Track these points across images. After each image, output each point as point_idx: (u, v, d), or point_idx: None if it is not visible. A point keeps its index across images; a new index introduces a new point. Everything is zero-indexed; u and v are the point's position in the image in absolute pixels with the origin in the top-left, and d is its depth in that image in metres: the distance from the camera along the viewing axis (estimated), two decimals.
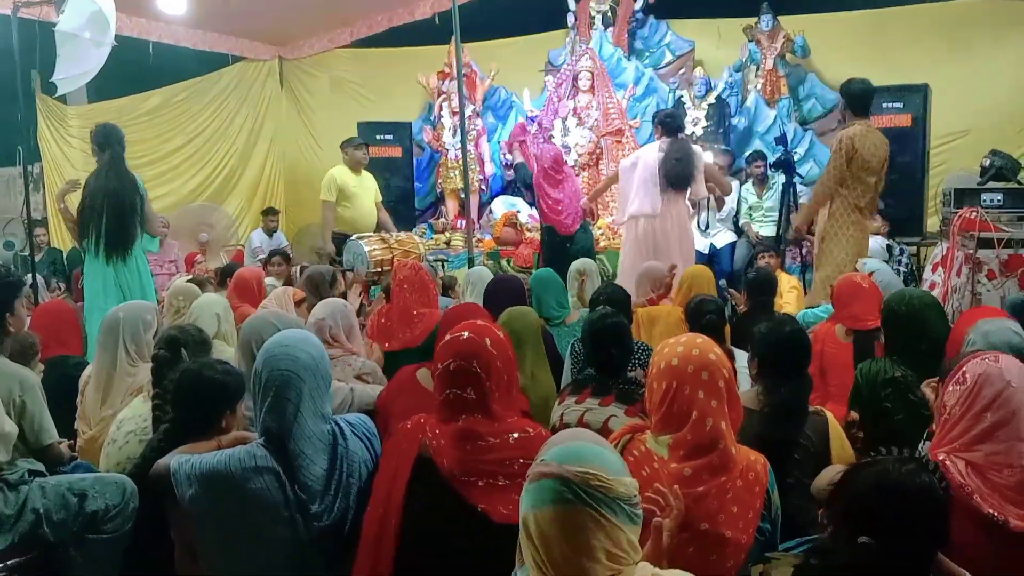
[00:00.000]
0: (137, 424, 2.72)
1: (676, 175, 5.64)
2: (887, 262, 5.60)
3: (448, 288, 5.46)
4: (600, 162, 8.57)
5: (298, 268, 6.57)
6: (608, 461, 1.44)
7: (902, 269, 6.36)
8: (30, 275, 5.82)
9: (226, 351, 3.53)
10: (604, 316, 2.84)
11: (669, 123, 5.82)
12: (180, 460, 2.05)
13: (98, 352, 3.24)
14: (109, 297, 4.67)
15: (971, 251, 4.57)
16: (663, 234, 5.64)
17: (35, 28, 6.27)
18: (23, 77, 5.98)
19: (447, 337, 2.16)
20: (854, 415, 2.72)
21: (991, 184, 5.29)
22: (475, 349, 2.08)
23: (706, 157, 6.14)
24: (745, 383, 3.08)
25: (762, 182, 7.41)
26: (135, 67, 8.28)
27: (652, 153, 5.77)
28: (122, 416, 2.79)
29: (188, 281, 4.98)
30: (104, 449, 2.77)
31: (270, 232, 8.78)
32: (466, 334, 2.11)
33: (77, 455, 3.10)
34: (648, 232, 5.68)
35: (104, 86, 7.97)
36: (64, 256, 7.80)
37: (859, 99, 5.17)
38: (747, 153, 7.85)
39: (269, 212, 8.99)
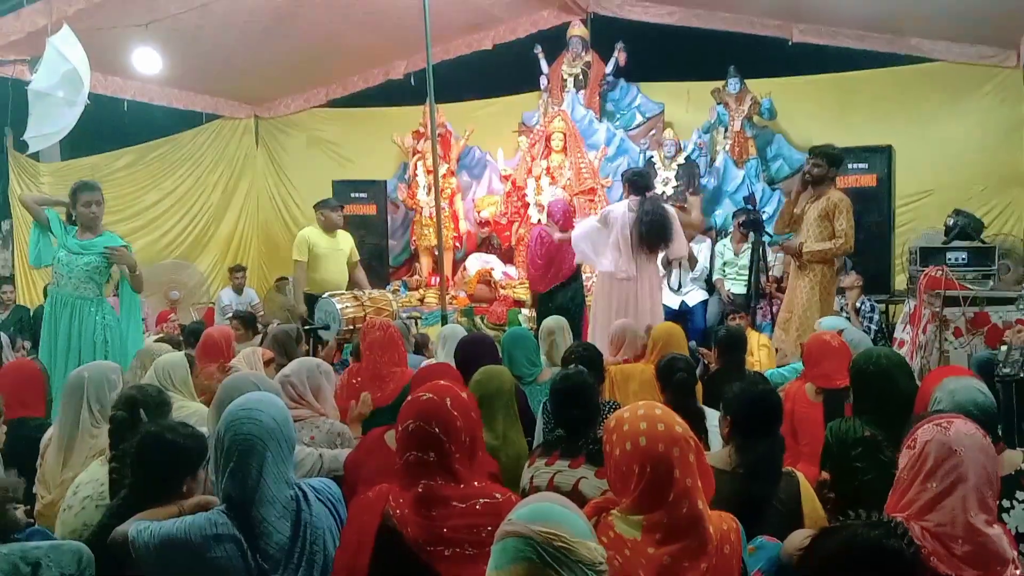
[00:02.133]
0: (94, 489, 2.63)
1: (650, 236, 5.56)
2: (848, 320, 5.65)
3: (421, 347, 5.43)
4: (573, 220, 8.65)
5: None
6: (574, 524, 1.44)
7: (872, 327, 6.44)
8: None
9: (189, 407, 3.48)
10: (566, 376, 2.82)
11: (637, 181, 5.76)
12: (139, 527, 1.99)
13: (61, 413, 3.16)
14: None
15: (937, 309, 4.63)
16: (635, 296, 5.60)
17: (8, 86, 6.29)
18: None
19: (408, 398, 2.13)
20: (825, 475, 2.71)
21: (955, 243, 5.39)
22: (435, 410, 2.04)
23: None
24: (716, 443, 3.07)
25: (742, 238, 7.46)
26: (109, 125, 8.30)
27: (621, 211, 5.68)
28: (79, 481, 2.70)
29: (158, 340, 4.92)
30: (59, 516, 2.67)
31: (238, 289, 8.73)
32: (427, 395, 2.08)
33: (34, 520, 3.00)
34: (620, 292, 5.64)
35: (77, 143, 7.96)
36: (31, 314, 7.68)
37: (842, 162, 5.33)
38: (717, 211, 7.97)
39: (236, 269, 8.97)
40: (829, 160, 5.22)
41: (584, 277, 7.51)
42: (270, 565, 1.97)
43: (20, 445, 3.27)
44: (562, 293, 6.43)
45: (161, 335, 5.91)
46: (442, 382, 2.19)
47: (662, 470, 1.82)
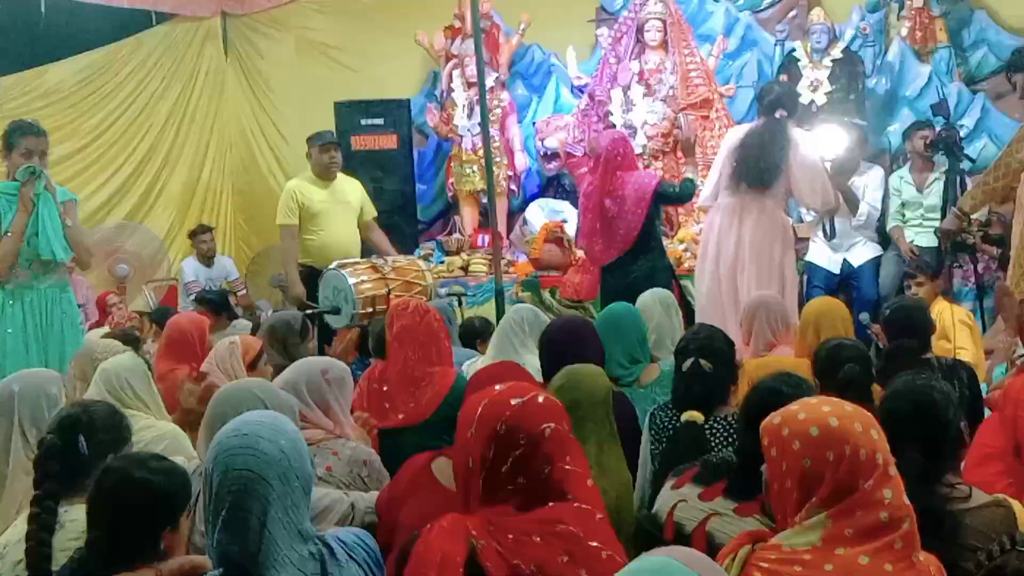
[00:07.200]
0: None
1: (748, 168, 5.85)
2: None
3: (477, 336, 5.45)
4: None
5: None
6: None
7: None
8: None
9: (156, 426, 3.57)
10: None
11: (763, 97, 6.16)
12: None
13: None
14: None
15: None
16: (736, 245, 5.83)
17: None
18: None
19: (484, 404, 2.21)
20: None
21: None
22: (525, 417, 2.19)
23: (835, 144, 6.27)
24: None
25: (926, 166, 7.34)
26: (22, 35, 8.41)
27: (737, 135, 6.10)
28: (5, 540, 2.70)
29: (106, 336, 5.03)
30: None
31: (206, 259, 8.85)
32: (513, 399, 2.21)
33: None
34: (719, 241, 5.93)
35: None
36: None
37: None
38: (892, 126, 7.82)
39: (199, 231, 9.10)
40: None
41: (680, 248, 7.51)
42: None
43: None
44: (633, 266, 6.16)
45: (108, 330, 6.02)
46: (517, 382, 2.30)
47: (848, 449, 2.00)
